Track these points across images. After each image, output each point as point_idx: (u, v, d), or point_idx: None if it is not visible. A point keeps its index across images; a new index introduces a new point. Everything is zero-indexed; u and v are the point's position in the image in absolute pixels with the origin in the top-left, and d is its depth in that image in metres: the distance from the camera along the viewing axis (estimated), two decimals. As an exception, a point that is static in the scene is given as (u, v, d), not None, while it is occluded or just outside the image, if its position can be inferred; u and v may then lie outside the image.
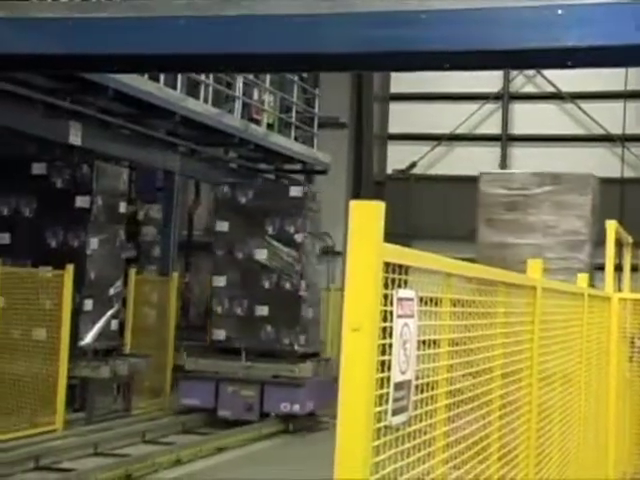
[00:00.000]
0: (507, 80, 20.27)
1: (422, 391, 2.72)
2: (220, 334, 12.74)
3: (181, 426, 11.87)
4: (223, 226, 12.98)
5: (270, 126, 16.38)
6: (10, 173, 11.58)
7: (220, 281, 12.87)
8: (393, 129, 20.98)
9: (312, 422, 12.62)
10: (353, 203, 2.47)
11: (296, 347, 12.62)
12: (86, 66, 9.66)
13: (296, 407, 12.07)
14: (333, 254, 19.90)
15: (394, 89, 20.79)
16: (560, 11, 7.01)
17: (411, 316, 2.66)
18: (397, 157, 20.77)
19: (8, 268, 10.15)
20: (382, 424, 2.38)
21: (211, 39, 8.09)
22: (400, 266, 2.67)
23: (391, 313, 2.54)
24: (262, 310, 12.59)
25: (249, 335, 12.53)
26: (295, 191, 13.10)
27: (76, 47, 8.39)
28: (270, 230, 12.84)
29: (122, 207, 12.13)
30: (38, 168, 11.82)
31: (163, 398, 12.94)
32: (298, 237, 12.83)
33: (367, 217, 2.44)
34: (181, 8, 8.42)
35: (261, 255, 12.77)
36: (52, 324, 10.47)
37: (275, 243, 12.73)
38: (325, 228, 19.78)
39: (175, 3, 9.19)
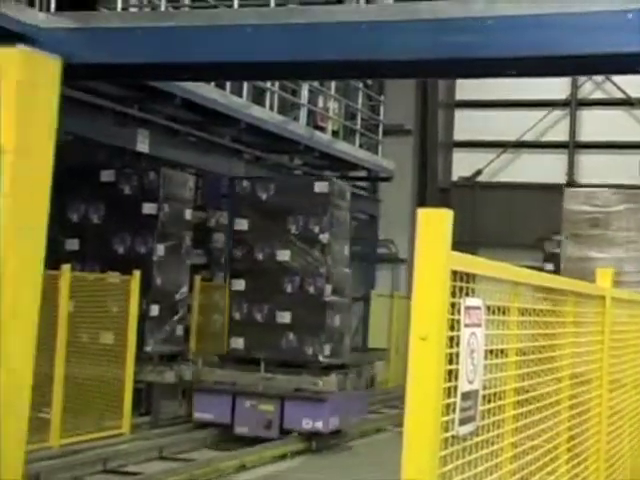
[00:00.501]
0: (575, 86, 20.01)
1: (489, 401, 2.69)
2: (238, 342, 11.61)
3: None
4: (242, 224, 11.84)
5: (335, 133, 16.41)
6: (80, 180, 11.76)
7: (239, 284, 11.74)
8: (458, 136, 20.86)
9: (337, 440, 11.48)
10: (421, 211, 2.45)
11: (320, 358, 11.34)
12: (155, 74, 9.81)
13: (319, 424, 10.88)
14: (397, 261, 19.84)
15: (459, 96, 20.68)
16: (630, 15, 6.90)
17: (479, 325, 2.63)
18: (462, 164, 20.64)
19: (77, 273, 10.32)
20: (449, 434, 2.36)
21: (277, 47, 8.15)
22: (467, 274, 2.65)
23: (458, 322, 2.52)
24: (284, 317, 11.44)
25: (269, 344, 11.38)
26: (320, 187, 11.70)
27: (145, 56, 8.51)
28: (293, 229, 11.56)
29: (188, 214, 12.25)
30: (107, 175, 12.00)
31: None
32: (323, 237, 11.56)
33: (435, 225, 2.43)
34: (248, 16, 8.50)
35: (283, 256, 11.58)
36: (119, 329, 10.61)
37: (299, 243, 11.53)
38: (389, 235, 19.80)
39: (242, 11, 9.29)
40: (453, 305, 2.49)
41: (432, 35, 7.29)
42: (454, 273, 2.49)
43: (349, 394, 11.62)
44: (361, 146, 17.31)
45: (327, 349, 11.47)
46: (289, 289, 11.51)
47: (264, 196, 11.83)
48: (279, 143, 14.60)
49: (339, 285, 11.86)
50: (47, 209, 0.92)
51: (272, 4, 10.84)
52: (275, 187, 11.85)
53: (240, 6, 10.56)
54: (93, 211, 11.97)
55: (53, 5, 9.42)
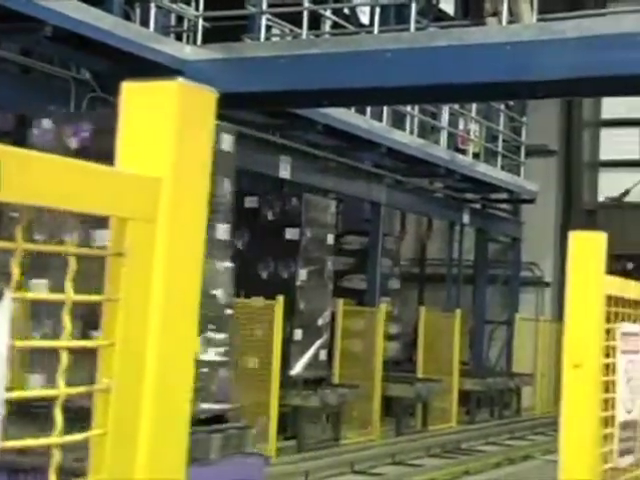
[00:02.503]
0: None
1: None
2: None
3: (391, 458, 11.86)
4: None
5: (476, 156, 16.25)
6: (225, 207, 12.01)
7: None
8: (605, 155, 20.29)
9: None
10: (573, 234, 2.39)
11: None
12: (297, 101, 9.96)
13: None
14: (542, 285, 19.42)
15: (606, 114, 20.13)
16: None
17: (636, 352, 2.53)
18: (609, 184, 20.05)
19: (223, 298, 10.51)
20: (608, 466, 2.27)
21: (418, 71, 8.14)
22: (622, 299, 2.56)
23: (614, 349, 2.43)
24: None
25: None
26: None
27: (288, 84, 8.65)
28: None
29: (330, 239, 12.34)
30: (250, 202, 12.23)
31: (371, 428, 12.99)
32: None
33: (588, 248, 2.36)
34: (388, 41, 8.53)
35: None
36: (264, 353, 10.75)
37: None
38: (533, 258, 19.39)
39: (382, 37, 9.33)
40: (608, 331, 2.40)
41: (579, 53, 7.13)
42: (609, 298, 2.40)
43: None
44: (503, 168, 17.07)
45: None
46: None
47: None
48: (420, 167, 14.56)
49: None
50: (203, 238, 0.91)
51: (412, 28, 10.84)
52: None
53: (380, 32, 10.60)
54: (237, 237, 12.21)
55: (199, 38, 9.71)
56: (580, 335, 2.29)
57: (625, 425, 2.36)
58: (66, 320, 0.84)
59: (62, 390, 0.83)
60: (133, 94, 0.93)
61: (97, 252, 0.89)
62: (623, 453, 2.35)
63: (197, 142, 0.94)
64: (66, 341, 0.84)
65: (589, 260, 2.33)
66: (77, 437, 0.85)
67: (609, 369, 2.38)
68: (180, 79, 0.95)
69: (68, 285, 0.85)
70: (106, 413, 0.86)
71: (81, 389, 0.88)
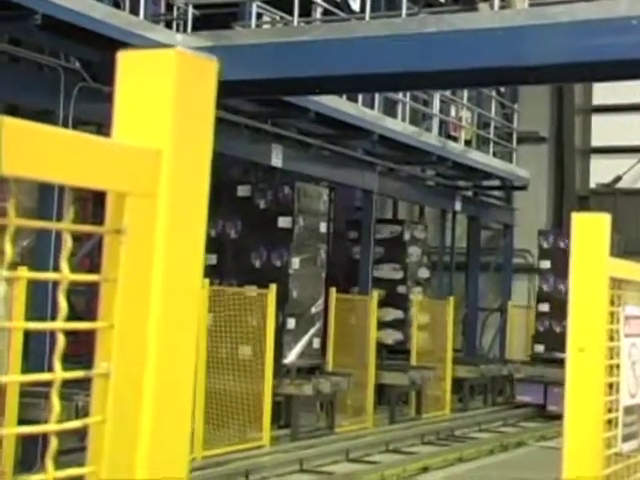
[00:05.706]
0: None
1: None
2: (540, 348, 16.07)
3: (385, 445, 11.85)
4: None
5: (468, 143, 16.20)
6: (217, 196, 11.95)
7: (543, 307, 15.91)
8: (596, 142, 20.26)
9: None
10: (575, 215, 2.35)
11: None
12: (289, 89, 9.89)
13: None
14: (534, 271, 19.40)
15: (597, 100, 20.09)
16: None
17: (639, 335, 2.50)
18: (601, 171, 20.03)
19: (215, 287, 10.48)
20: (612, 451, 2.23)
21: (410, 57, 8.08)
22: (624, 282, 2.52)
23: (618, 332, 2.40)
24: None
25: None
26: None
27: (279, 71, 8.59)
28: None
29: (323, 227, 12.30)
30: (243, 190, 12.17)
31: (365, 416, 12.98)
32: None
33: (591, 230, 2.32)
34: (380, 27, 8.47)
35: None
36: (257, 342, 10.71)
37: None
38: (525, 245, 19.38)
39: (374, 23, 9.27)
40: (611, 314, 2.37)
41: (571, 38, 7.08)
42: (612, 281, 2.37)
43: None
44: (495, 155, 17.03)
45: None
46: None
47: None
48: (412, 154, 14.51)
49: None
50: (205, 212, 0.88)
51: (403, 15, 10.78)
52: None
53: (371, 18, 10.53)
54: (230, 226, 12.15)
55: (190, 26, 9.63)
56: (584, 318, 2.25)
57: (629, 410, 2.33)
58: (62, 301, 0.80)
59: (59, 374, 0.79)
60: (130, 63, 0.88)
61: (94, 229, 0.85)
62: (627, 438, 2.31)
63: (198, 112, 0.90)
64: (62, 323, 0.80)
65: (592, 242, 2.29)
66: (75, 424, 0.81)
67: (613, 353, 2.35)
68: (178, 47, 0.90)
69: (64, 264, 0.80)
70: (105, 399, 0.82)
71: (79, 373, 0.83)
